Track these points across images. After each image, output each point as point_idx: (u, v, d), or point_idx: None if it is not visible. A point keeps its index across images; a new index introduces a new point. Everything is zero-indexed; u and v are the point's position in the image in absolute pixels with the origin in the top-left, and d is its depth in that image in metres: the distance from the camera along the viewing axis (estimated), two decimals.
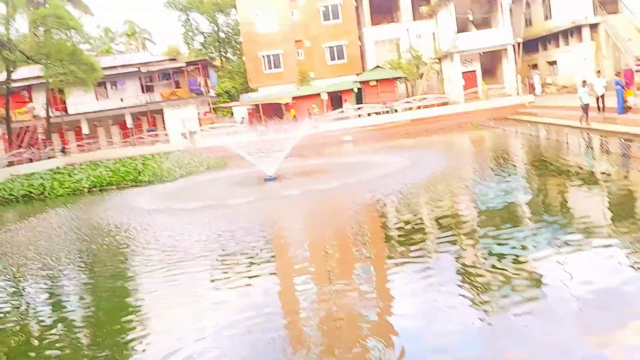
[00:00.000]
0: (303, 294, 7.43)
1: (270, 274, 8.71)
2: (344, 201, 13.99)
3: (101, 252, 11.19)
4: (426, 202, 12.49)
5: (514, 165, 16.75)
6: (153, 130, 39.67)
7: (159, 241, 11.59)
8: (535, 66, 39.83)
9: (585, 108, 20.37)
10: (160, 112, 39.62)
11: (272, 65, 43.07)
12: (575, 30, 34.27)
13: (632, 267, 6.68)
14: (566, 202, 11.26)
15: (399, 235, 9.91)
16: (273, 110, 40.25)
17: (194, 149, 31.12)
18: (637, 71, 22.99)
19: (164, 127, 39.28)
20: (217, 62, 57.57)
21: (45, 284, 9.51)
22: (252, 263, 9.04)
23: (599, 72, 22.63)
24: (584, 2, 32.71)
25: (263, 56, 42.97)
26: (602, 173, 13.56)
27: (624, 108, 19.70)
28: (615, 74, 22.29)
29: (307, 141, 21.81)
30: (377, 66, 39.59)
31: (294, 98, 39.25)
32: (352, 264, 8.60)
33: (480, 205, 11.50)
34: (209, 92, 41.76)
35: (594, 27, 32.86)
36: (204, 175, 22.80)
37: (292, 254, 9.79)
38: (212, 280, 8.49)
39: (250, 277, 8.31)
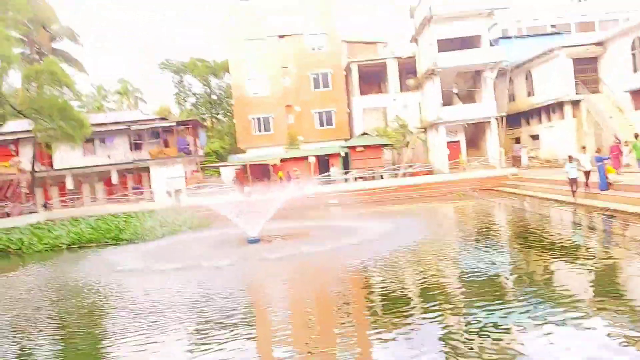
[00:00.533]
0: None
1: (247, 341, 8.36)
2: (325, 266, 13.76)
3: (71, 315, 10.78)
4: (408, 271, 12.32)
5: (495, 237, 16.73)
6: (138, 188, 39.50)
7: (132, 304, 11.20)
8: (518, 140, 40.83)
9: (573, 183, 20.61)
10: (146, 169, 39.59)
11: (262, 127, 43.88)
12: (557, 107, 35.45)
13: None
14: (543, 275, 11.17)
15: (380, 305, 9.68)
16: (261, 172, 40.49)
17: (179, 207, 30.86)
18: (615, 150, 23.17)
19: (150, 185, 39.13)
20: (208, 123, 58.39)
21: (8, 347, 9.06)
22: (228, 330, 8.70)
23: (584, 147, 23.08)
24: (566, 80, 34.01)
25: (253, 119, 43.83)
26: (581, 247, 13.57)
27: (607, 184, 20.03)
28: (596, 151, 22.80)
29: (292, 203, 21.76)
30: (365, 133, 40.44)
31: (282, 160, 39.62)
32: (331, 333, 8.32)
33: (461, 276, 11.37)
34: (197, 151, 42.01)
35: (575, 104, 34.00)
36: (186, 235, 22.46)
37: (269, 321, 9.47)
38: (187, 348, 8.13)
39: (226, 345, 7.97)
